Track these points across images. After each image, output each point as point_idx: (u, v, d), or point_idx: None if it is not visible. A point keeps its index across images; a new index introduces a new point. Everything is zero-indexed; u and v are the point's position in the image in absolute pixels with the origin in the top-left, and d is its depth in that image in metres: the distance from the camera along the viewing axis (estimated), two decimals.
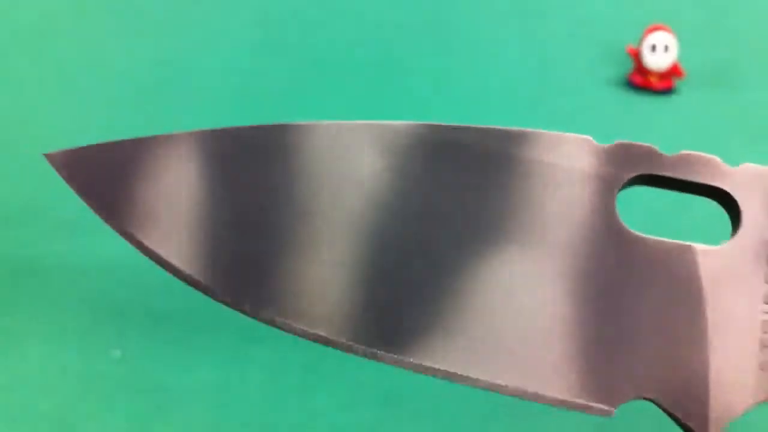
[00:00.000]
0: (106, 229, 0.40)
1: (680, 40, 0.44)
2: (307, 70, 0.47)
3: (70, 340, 0.34)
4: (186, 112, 0.44)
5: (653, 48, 0.44)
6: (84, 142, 0.45)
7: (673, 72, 0.44)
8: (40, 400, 0.32)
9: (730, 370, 0.20)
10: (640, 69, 0.44)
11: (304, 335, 0.21)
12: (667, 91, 0.44)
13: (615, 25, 0.48)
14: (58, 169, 0.22)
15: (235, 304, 0.21)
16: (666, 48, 0.44)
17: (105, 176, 0.21)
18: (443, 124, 0.22)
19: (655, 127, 0.43)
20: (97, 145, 0.22)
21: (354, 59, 0.47)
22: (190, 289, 0.36)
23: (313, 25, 0.49)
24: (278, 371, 0.33)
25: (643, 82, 0.44)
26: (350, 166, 0.21)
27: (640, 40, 0.44)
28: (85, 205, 0.22)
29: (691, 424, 0.20)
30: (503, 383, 0.20)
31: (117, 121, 0.44)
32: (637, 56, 0.44)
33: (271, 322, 0.21)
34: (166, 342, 0.34)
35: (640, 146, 0.21)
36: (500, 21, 0.49)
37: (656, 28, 0.44)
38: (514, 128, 0.22)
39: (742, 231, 0.21)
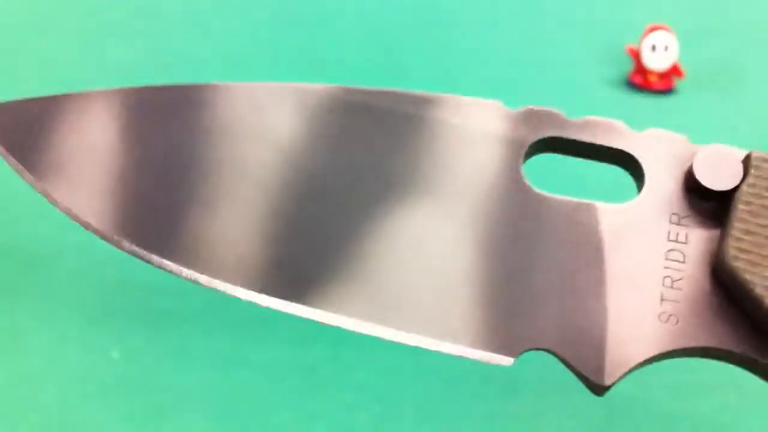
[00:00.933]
0: None
1: (680, 40, 0.44)
2: (308, 70, 0.47)
3: (70, 340, 0.34)
4: None
5: (653, 48, 0.44)
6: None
7: (673, 72, 0.44)
8: (40, 399, 0.32)
9: (629, 322, 0.20)
10: (640, 69, 0.44)
11: (209, 285, 0.21)
12: (667, 91, 0.44)
13: (615, 25, 0.48)
14: None
15: (143, 256, 0.21)
16: (666, 48, 0.44)
17: (20, 132, 0.22)
18: (359, 87, 0.22)
19: (654, 127, 0.43)
20: (14, 101, 0.22)
21: (353, 59, 0.47)
22: (190, 289, 0.36)
23: (314, 24, 0.49)
24: (278, 372, 0.33)
25: (643, 82, 0.44)
26: (263, 123, 0.22)
27: (640, 40, 0.44)
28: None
29: (586, 373, 0.20)
30: (403, 330, 0.21)
31: None
32: (637, 56, 0.44)
33: (178, 273, 0.21)
34: (166, 342, 0.34)
35: (547, 110, 0.22)
36: (500, 21, 0.49)
37: (656, 28, 0.44)
38: (427, 92, 0.23)
39: (645, 190, 0.21)
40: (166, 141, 0.22)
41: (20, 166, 0.22)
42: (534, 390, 0.32)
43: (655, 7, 0.49)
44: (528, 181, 0.22)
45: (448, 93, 0.23)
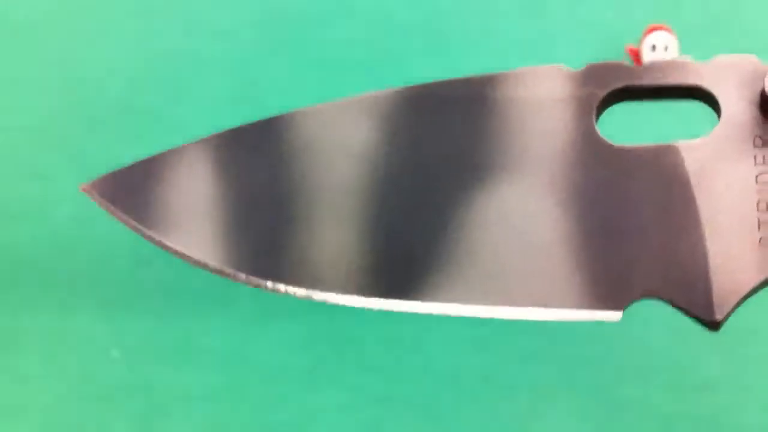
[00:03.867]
0: (105, 228, 0.40)
1: (680, 40, 0.44)
2: (308, 70, 0.47)
3: (70, 340, 0.34)
4: (185, 111, 0.44)
5: (653, 48, 0.44)
6: (85, 142, 0.45)
7: None
8: (39, 398, 0.32)
9: (729, 254, 0.20)
10: None
11: (323, 299, 0.22)
12: None
13: (615, 25, 0.48)
14: (95, 199, 0.24)
15: (258, 284, 0.22)
16: (666, 48, 0.44)
17: (131, 194, 0.24)
18: (419, 84, 0.23)
19: (654, 127, 0.43)
20: (120, 170, 0.24)
21: (353, 59, 0.47)
22: (190, 289, 0.36)
23: (315, 24, 0.49)
24: (278, 372, 0.33)
25: None
26: (342, 137, 0.23)
27: (640, 40, 0.44)
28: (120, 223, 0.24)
29: (696, 311, 0.20)
30: (511, 304, 0.21)
31: (116, 121, 0.44)
32: (637, 56, 0.44)
33: (292, 293, 0.22)
34: (166, 342, 0.34)
35: (610, 63, 0.23)
36: (500, 21, 0.49)
37: (656, 28, 0.44)
38: (485, 73, 0.23)
39: (723, 120, 0.21)
40: (258, 173, 0.23)
41: (137, 224, 0.23)
42: (534, 390, 0.32)
43: (655, 7, 0.49)
44: (604, 137, 0.22)
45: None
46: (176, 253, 0.23)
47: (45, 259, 0.37)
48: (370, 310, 0.22)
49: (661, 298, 0.21)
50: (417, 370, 0.33)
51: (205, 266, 0.23)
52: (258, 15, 0.50)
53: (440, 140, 0.22)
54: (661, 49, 0.47)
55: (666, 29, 0.46)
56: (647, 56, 0.46)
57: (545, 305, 0.21)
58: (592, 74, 0.23)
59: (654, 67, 0.22)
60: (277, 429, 0.31)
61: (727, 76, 0.22)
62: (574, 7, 0.49)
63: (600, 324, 0.22)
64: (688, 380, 0.32)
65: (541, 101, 0.22)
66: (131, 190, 0.24)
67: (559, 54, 0.48)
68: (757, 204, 0.21)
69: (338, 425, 0.31)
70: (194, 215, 0.23)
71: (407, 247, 0.22)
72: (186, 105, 0.45)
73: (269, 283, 0.22)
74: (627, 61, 0.24)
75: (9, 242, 0.37)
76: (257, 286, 0.22)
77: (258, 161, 0.23)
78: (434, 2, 0.50)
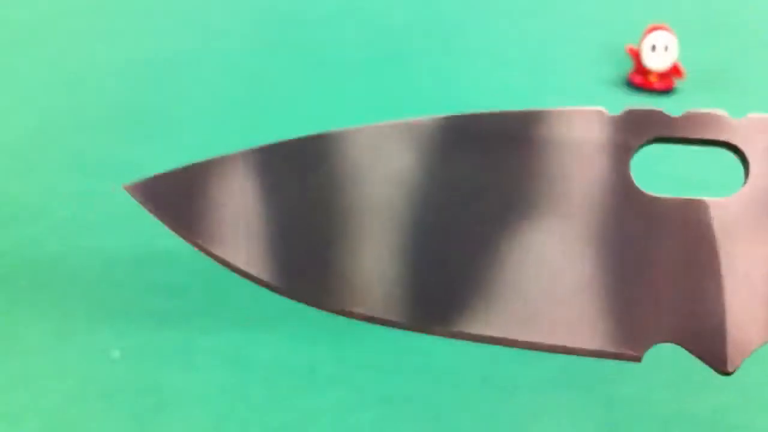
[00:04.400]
0: (105, 228, 0.40)
1: (680, 40, 0.44)
2: (309, 70, 0.47)
3: (70, 340, 0.34)
4: (186, 111, 0.44)
5: (653, 48, 0.44)
6: (85, 142, 0.45)
7: (673, 72, 0.44)
8: (40, 399, 0.32)
9: (745, 311, 0.22)
10: (640, 69, 0.44)
11: (364, 319, 0.23)
12: (667, 91, 0.44)
13: (615, 25, 0.48)
14: (138, 200, 0.24)
15: (302, 300, 0.23)
16: (666, 48, 0.44)
17: (177, 199, 0.24)
18: (463, 113, 0.24)
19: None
20: (165, 173, 0.25)
21: (356, 59, 0.47)
22: (190, 289, 0.36)
23: (315, 24, 0.49)
24: (278, 372, 0.33)
25: (643, 82, 0.44)
26: (384, 163, 0.24)
27: (640, 40, 0.44)
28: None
29: (709, 362, 0.22)
30: (540, 341, 0.22)
31: (117, 120, 0.44)
32: (637, 56, 0.44)
33: (337, 312, 0.23)
34: (166, 342, 0.34)
35: (648, 110, 0.23)
36: (500, 21, 0.49)
37: (656, 28, 0.44)
38: (529, 109, 0.24)
39: (751, 180, 0.22)
40: (302, 192, 0.24)
41: (182, 230, 0.24)
42: (534, 390, 0.32)
43: (655, 7, 0.49)
44: (637, 184, 0.23)
45: (505, 107, 0.25)
46: (223, 262, 0.24)
47: (45, 260, 0.37)
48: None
49: (678, 344, 0.22)
50: (417, 370, 0.33)
51: (248, 276, 0.24)
52: (258, 15, 0.50)
53: (481, 174, 0.23)
54: (661, 49, 0.47)
55: (666, 29, 0.46)
56: (647, 56, 0.47)
57: (569, 345, 0.22)
58: (631, 121, 0.23)
59: (690, 118, 0.23)
60: (277, 429, 0.31)
61: (758, 137, 0.23)
62: (574, 7, 0.50)
63: None
64: (688, 380, 0.32)
65: (580, 143, 0.23)
66: (176, 195, 0.24)
67: (560, 54, 0.48)
68: None
69: (338, 425, 0.31)
70: (238, 226, 0.24)
71: (444, 277, 0.23)
72: (186, 105, 0.45)
73: (313, 301, 0.23)
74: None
75: (9, 242, 0.37)
76: (301, 301, 0.23)
77: (301, 178, 0.24)
78: (434, 2, 0.50)
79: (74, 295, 0.35)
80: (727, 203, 0.22)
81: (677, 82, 0.44)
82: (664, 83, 0.44)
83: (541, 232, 0.23)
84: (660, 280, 0.22)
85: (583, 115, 0.23)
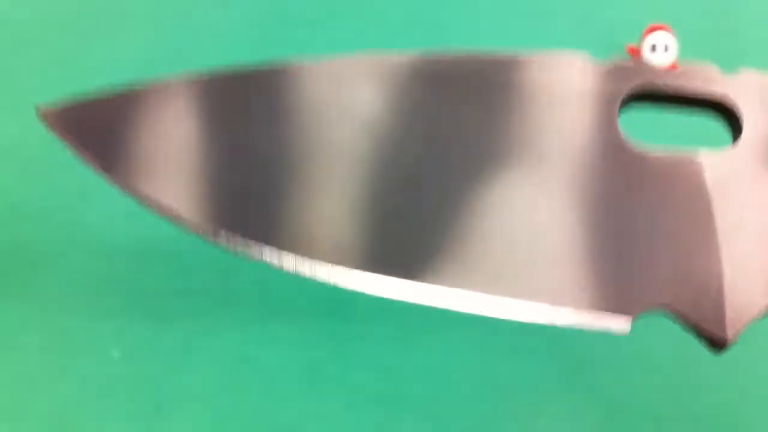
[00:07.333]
0: (105, 228, 0.40)
1: (680, 40, 0.44)
2: None
3: (70, 340, 0.34)
4: None
5: (653, 48, 0.44)
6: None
7: None
8: (39, 399, 0.32)
9: (746, 270, 0.20)
10: None
11: (313, 274, 0.20)
12: None
13: (615, 25, 0.48)
14: (52, 126, 0.21)
15: (242, 247, 0.20)
16: (666, 48, 0.44)
17: (99, 131, 0.21)
18: (439, 53, 0.21)
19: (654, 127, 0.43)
20: (90, 101, 0.22)
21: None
22: (190, 289, 0.36)
23: (315, 24, 0.49)
24: (278, 372, 0.33)
25: None
26: (348, 100, 0.21)
27: (640, 40, 0.44)
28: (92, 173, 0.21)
29: (706, 326, 0.20)
30: (523, 302, 0.20)
31: None
32: (637, 56, 0.44)
33: (278, 262, 0.20)
34: (166, 341, 0.33)
35: (636, 60, 0.21)
36: (500, 21, 0.49)
37: (656, 28, 0.44)
38: (509, 53, 0.22)
39: (744, 135, 0.21)
40: (254, 127, 0.21)
41: (98, 164, 0.21)
42: (534, 390, 0.32)
43: (655, 7, 0.49)
44: (625, 137, 0.21)
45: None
46: (146, 199, 0.20)
47: (45, 260, 0.37)
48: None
49: (672, 311, 0.20)
50: (417, 370, 0.33)
51: (179, 219, 0.20)
52: (258, 15, 0.50)
53: (457, 120, 0.21)
54: (661, 49, 0.47)
55: (666, 29, 0.46)
56: (647, 56, 0.46)
57: (552, 302, 0.20)
58: (617, 70, 0.22)
59: (680, 70, 0.21)
60: (277, 429, 0.31)
61: (752, 92, 0.21)
62: (574, 7, 0.49)
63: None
64: (686, 380, 0.32)
65: (564, 93, 0.21)
66: (100, 125, 0.21)
67: None
68: None
69: (338, 425, 0.31)
70: (173, 162, 0.21)
71: (411, 226, 0.20)
72: None
73: (255, 247, 0.20)
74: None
75: (9, 242, 0.37)
76: (240, 249, 0.20)
77: (254, 112, 0.21)
78: (434, 2, 0.50)
79: (74, 295, 0.35)
80: (720, 157, 0.21)
81: None
82: None
83: (520, 184, 0.21)
84: (651, 239, 0.20)
85: (567, 61, 0.22)
